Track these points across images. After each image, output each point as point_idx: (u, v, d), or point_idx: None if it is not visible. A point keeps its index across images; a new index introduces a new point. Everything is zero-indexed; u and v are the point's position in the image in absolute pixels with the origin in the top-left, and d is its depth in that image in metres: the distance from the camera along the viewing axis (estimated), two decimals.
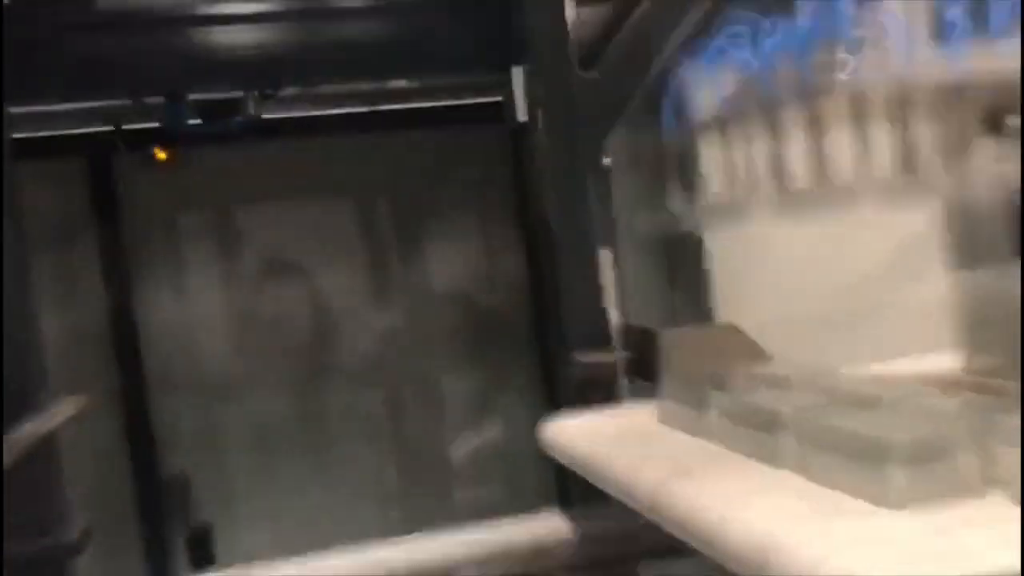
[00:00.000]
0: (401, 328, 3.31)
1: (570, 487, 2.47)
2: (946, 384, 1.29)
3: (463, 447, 3.36)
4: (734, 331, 1.68)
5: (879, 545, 0.88)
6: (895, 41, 1.11)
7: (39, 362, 2.08)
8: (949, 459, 0.97)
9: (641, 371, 2.00)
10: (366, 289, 3.33)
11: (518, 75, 2.04)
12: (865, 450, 1.00)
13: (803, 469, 1.12)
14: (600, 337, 2.13)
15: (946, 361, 1.42)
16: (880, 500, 0.97)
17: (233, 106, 2.51)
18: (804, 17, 1.26)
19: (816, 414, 1.12)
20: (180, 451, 3.19)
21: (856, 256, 1.91)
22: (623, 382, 2.13)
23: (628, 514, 1.71)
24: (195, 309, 3.23)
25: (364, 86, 2.71)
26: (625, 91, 1.93)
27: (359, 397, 3.31)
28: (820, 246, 1.76)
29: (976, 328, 1.33)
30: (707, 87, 1.39)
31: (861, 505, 0.98)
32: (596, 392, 2.08)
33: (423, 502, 3.31)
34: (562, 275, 2.13)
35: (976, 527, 0.90)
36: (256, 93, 2.47)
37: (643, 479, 1.31)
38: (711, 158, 1.82)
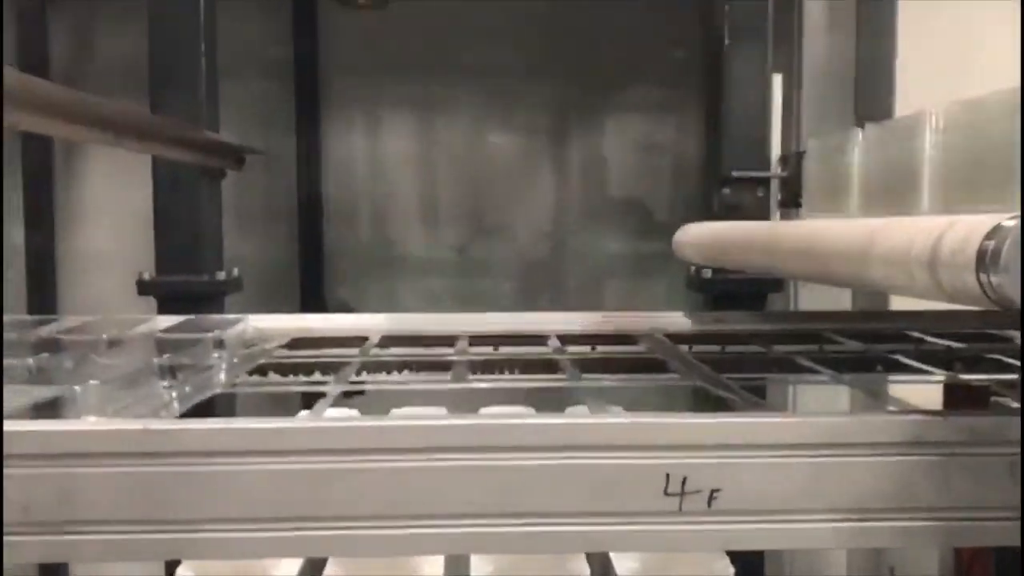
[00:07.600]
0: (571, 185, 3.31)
1: None
2: None
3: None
4: None
5: None
6: None
7: None
8: None
9: (790, 192, 2.14)
10: (545, 154, 3.30)
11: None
12: None
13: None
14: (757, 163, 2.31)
15: None
16: None
17: None
18: None
19: None
20: (347, 281, 3.33)
21: None
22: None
23: None
24: (381, 152, 3.33)
25: None
26: None
27: (525, 254, 3.37)
28: None
29: None
30: None
31: None
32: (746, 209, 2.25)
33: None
34: (732, 103, 2.31)
35: None
36: None
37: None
38: None
